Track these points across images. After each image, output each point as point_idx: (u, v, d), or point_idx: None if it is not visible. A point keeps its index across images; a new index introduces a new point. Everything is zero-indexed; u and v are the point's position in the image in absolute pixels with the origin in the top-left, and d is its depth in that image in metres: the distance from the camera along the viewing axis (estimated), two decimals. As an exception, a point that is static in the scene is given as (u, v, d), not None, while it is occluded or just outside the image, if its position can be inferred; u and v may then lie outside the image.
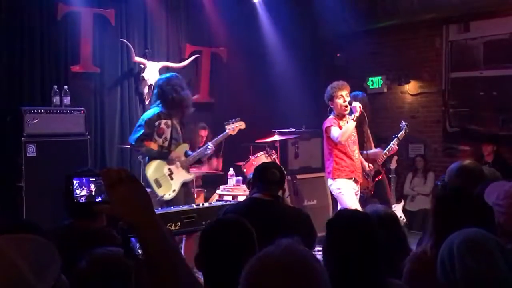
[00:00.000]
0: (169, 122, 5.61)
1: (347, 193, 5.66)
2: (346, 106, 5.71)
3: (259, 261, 1.38)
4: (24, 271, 1.25)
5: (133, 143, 5.61)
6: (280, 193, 3.82)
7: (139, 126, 5.60)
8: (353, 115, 5.64)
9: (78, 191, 1.66)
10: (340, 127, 5.68)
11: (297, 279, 1.32)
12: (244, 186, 6.26)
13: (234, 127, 6.03)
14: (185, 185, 5.77)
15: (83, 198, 1.67)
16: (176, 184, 5.64)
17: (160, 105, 5.65)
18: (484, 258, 1.76)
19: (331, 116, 5.80)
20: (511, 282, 1.75)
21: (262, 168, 3.81)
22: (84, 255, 2.12)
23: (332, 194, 6.24)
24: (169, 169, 5.65)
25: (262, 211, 3.50)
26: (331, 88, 5.78)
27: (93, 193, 1.66)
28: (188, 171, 5.81)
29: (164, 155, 5.61)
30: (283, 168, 4.02)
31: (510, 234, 2.33)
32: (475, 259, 1.76)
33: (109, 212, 1.52)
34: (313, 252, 5.52)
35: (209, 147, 5.85)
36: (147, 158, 5.65)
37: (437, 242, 2.40)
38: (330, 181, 5.87)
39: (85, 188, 1.67)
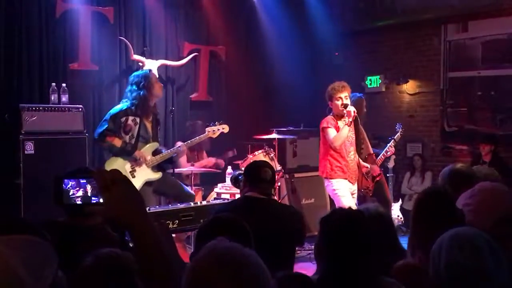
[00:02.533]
0: (137, 119, 5.51)
1: (343, 193, 5.65)
2: (343, 109, 5.69)
3: (191, 268, 1.41)
4: (20, 273, 1.24)
5: (96, 137, 5.52)
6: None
7: (104, 120, 5.52)
8: (346, 120, 5.64)
9: (73, 192, 1.66)
10: (338, 128, 5.69)
11: (228, 269, 1.34)
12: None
13: (215, 129, 5.97)
14: (150, 184, 5.62)
15: (78, 199, 1.67)
16: (137, 182, 5.46)
17: (129, 101, 5.56)
18: (470, 252, 1.78)
19: (329, 116, 5.79)
20: (496, 279, 1.76)
21: (254, 167, 3.82)
22: (89, 253, 2.12)
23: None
24: (132, 166, 5.53)
25: (256, 209, 3.51)
26: (331, 88, 5.75)
27: (89, 194, 1.66)
28: (154, 170, 5.66)
29: (127, 152, 5.48)
30: (274, 167, 4.04)
31: None
32: (461, 252, 1.78)
33: (103, 214, 1.54)
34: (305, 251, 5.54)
35: (180, 147, 5.81)
36: (109, 153, 5.58)
37: (419, 246, 2.42)
38: (325, 181, 5.86)
39: (81, 189, 1.67)
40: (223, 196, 6.43)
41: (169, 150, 5.79)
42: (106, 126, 5.42)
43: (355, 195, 5.86)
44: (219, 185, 6.77)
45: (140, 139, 5.55)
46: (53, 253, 1.40)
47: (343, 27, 8.65)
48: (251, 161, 6.41)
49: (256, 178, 3.70)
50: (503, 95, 7.93)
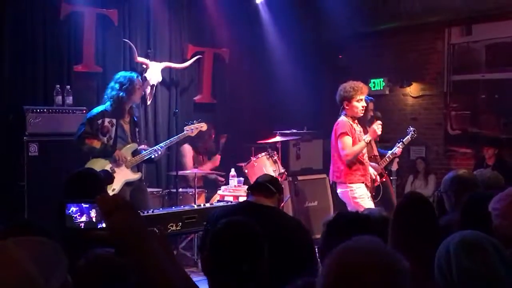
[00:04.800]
0: (114, 120, 5.54)
1: (365, 201, 5.38)
2: (363, 111, 5.53)
3: (349, 251, 1.36)
4: (33, 274, 1.26)
5: (75, 141, 5.53)
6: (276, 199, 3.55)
7: (82, 124, 5.54)
8: (368, 138, 5.46)
9: (75, 217, 1.68)
10: (352, 132, 5.50)
11: (386, 273, 1.31)
12: (245, 187, 6.27)
13: (193, 128, 6.00)
14: (130, 184, 5.64)
15: (82, 225, 1.69)
16: (117, 184, 5.50)
17: (107, 103, 5.61)
18: (480, 258, 1.77)
19: (344, 118, 5.51)
20: (507, 282, 1.76)
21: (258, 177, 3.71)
22: (84, 253, 2.13)
23: (337, 197, 5.95)
24: (111, 168, 5.54)
25: (253, 214, 3.42)
26: (351, 88, 5.45)
27: (94, 220, 1.68)
28: (134, 171, 5.69)
29: (107, 153, 5.51)
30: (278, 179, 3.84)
31: (505, 238, 2.31)
32: (471, 259, 1.77)
33: (107, 240, 1.56)
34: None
35: (159, 149, 5.81)
36: (90, 155, 5.60)
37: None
38: (341, 187, 5.53)
39: (85, 214, 1.69)
40: (226, 198, 6.43)
41: (147, 151, 5.78)
42: (84, 129, 5.45)
43: None
44: (223, 187, 6.77)
45: (118, 140, 5.58)
46: (63, 256, 1.42)
47: (347, 29, 8.65)
48: (254, 163, 6.42)
49: (254, 182, 3.63)
50: (507, 98, 7.91)
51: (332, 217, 2.26)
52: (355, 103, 5.46)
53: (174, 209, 5.14)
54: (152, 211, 4.98)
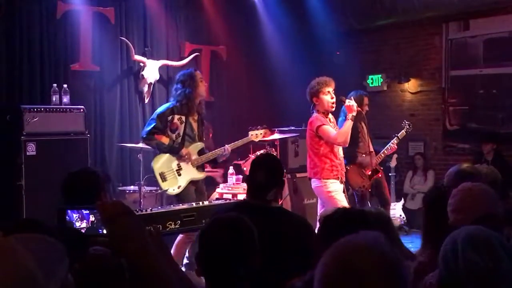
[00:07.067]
0: (183, 118, 5.48)
1: (340, 196, 5.43)
2: (333, 103, 5.50)
3: (347, 247, 1.32)
4: (34, 271, 1.26)
5: (144, 136, 5.53)
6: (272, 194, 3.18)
7: (152, 119, 5.53)
8: (350, 115, 5.44)
9: (78, 224, 1.68)
10: (329, 124, 5.51)
11: (389, 271, 1.29)
12: (244, 185, 6.27)
13: (257, 133, 5.87)
14: (194, 183, 5.61)
15: (83, 231, 1.71)
16: (182, 181, 5.50)
17: (175, 99, 5.55)
18: (486, 253, 1.79)
19: (316, 114, 5.51)
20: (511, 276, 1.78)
21: (250, 169, 3.31)
22: (78, 255, 2.12)
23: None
24: (178, 164, 5.51)
25: (254, 213, 3.32)
26: (316, 83, 5.49)
27: (95, 225, 1.69)
28: (199, 170, 5.64)
29: (174, 150, 5.46)
30: (277, 166, 3.31)
31: None
32: (478, 253, 1.79)
33: (108, 246, 1.57)
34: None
35: (226, 149, 5.72)
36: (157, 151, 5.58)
37: (428, 242, 2.44)
38: (316, 182, 5.53)
39: (85, 220, 1.70)
40: (225, 196, 6.42)
41: (215, 151, 5.72)
42: (154, 124, 5.42)
43: None
44: (221, 185, 6.76)
45: (186, 138, 5.52)
46: (64, 254, 1.42)
47: (344, 26, 8.65)
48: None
49: (249, 182, 3.29)
50: (505, 93, 7.92)
51: (328, 213, 2.24)
52: (323, 96, 5.46)
53: (172, 207, 5.12)
54: (151, 210, 4.97)
